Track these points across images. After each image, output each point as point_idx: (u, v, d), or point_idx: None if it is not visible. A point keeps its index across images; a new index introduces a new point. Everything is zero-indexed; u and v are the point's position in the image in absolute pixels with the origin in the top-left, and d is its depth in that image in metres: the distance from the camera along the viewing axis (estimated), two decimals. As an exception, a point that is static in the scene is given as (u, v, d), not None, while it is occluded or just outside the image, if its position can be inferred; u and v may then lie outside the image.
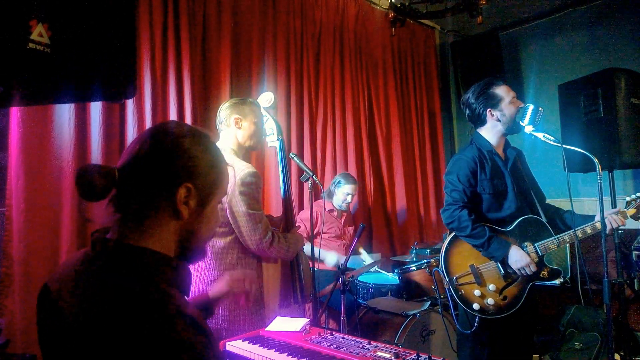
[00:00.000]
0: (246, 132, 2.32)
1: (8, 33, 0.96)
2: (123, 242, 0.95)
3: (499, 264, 2.41)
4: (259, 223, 2.12)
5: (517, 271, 2.38)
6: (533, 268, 2.37)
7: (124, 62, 1.17)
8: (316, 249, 3.69)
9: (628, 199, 2.43)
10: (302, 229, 3.62)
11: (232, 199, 2.09)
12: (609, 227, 2.32)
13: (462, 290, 2.41)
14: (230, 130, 2.31)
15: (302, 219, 3.76)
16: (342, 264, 2.84)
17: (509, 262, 2.38)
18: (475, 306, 2.37)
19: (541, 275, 2.44)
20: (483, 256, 2.44)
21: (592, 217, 2.43)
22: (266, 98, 2.60)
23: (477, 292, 2.39)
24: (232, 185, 2.07)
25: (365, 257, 4.19)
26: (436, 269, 2.55)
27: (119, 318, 0.82)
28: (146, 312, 0.83)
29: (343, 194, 4.01)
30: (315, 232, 3.71)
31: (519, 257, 2.36)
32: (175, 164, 0.98)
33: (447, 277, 2.42)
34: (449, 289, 2.41)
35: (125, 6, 1.18)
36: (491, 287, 2.40)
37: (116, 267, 0.92)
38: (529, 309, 2.45)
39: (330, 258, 3.76)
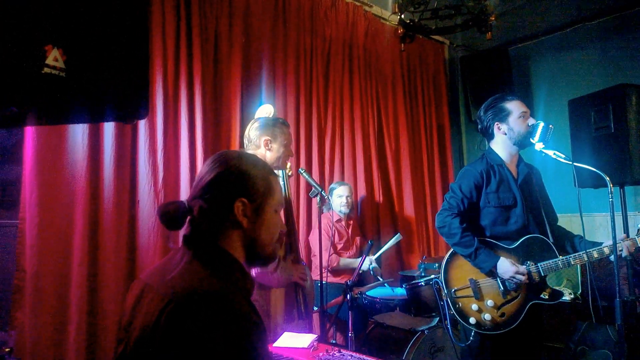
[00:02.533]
0: (275, 154, 2.33)
1: (24, 59, 0.99)
2: (215, 242, 1.16)
3: (499, 280, 2.39)
4: None
5: (509, 281, 2.37)
6: (524, 276, 2.35)
7: (137, 85, 1.19)
8: (348, 260, 3.97)
9: (639, 226, 2.41)
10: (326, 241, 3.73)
11: None
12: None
13: (460, 303, 2.40)
14: (259, 152, 2.32)
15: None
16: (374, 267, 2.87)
17: (499, 273, 2.37)
18: (472, 320, 2.37)
19: (542, 295, 2.42)
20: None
21: (600, 244, 2.41)
22: (266, 110, 2.59)
23: (474, 307, 2.39)
24: None
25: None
26: (436, 279, 2.55)
27: (207, 298, 1.02)
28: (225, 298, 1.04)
29: (338, 196, 4.10)
30: (332, 244, 3.89)
31: (507, 268, 2.36)
32: (228, 183, 1.17)
33: (446, 288, 2.41)
34: (446, 300, 2.40)
35: (139, 29, 1.21)
36: (489, 302, 2.39)
37: (208, 261, 1.12)
38: (533, 326, 2.43)
39: (364, 264, 3.89)
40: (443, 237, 2.51)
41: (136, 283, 1.20)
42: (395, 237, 4.22)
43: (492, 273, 2.40)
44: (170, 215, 1.15)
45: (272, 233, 1.24)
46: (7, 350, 2.11)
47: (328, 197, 3.51)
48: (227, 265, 1.14)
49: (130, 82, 1.16)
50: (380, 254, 4.19)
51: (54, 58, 1.04)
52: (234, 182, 1.17)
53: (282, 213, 2.08)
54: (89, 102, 1.11)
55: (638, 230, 2.40)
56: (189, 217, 1.18)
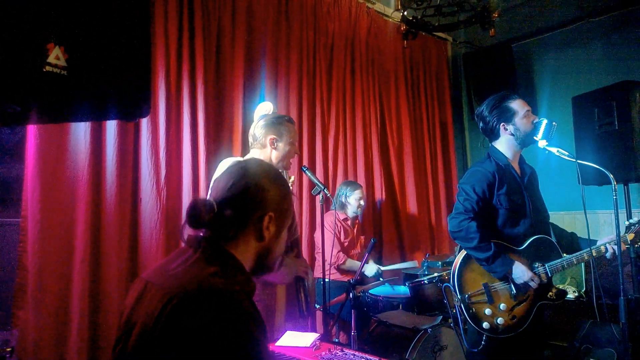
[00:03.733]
0: (281, 152, 2.31)
1: (25, 57, 0.98)
2: (222, 245, 1.18)
3: (512, 283, 2.37)
4: None
5: (523, 286, 2.36)
6: (537, 282, 2.35)
7: (139, 83, 1.18)
8: (355, 262, 3.93)
9: (627, 223, 2.40)
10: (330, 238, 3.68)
11: None
12: (610, 251, 2.36)
13: (474, 309, 2.36)
14: (265, 151, 2.30)
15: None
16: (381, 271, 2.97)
17: (513, 278, 2.36)
18: (485, 325, 2.33)
19: (548, 296, 2.41)
20: None
21: (595, 241, 2.42)
22: (265, 108, 2.56)
23: (487, 311, 2.35)
24: None
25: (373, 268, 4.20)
26: (447, 284, 2.52)
27: (208, 298, 1.02)
28: (227, 298, 1.04)
29: (356, 200, 4.05)
30: (338, 242, 3.86)
31: (521, 273, 2.35)
32: (261, 198, 1.21)
33: (460, 294, 2.37)
34: (459, 306, 2.37)
35: (141, 27, 1.20)
36: (502, 306, 2.36)
37: (212, 261, 1.14)
38: (536, 324, 2.43)
39: (370, 269, 3.96)
40: (458, 242, 2.44)
41: (137, 281, 1.21)
42: (408, 263, 4.29)
43: (505, 277, 2.38)
44: (202, 213, 1.15)
45: (282, 248, 1.33)
46: (8, 350, 2.11)
47: (330, 196, 3.48)
48: (231, 267, 1.15)
49: (132, 80, 1.15)
50: (388, 268, 4.19)
51: (55, 56, 1.03)
52: (266, 198, 1.22)
53: None
54: (90, 101, 1.10)
55: (626, 226, 2.40)
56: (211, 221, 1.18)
